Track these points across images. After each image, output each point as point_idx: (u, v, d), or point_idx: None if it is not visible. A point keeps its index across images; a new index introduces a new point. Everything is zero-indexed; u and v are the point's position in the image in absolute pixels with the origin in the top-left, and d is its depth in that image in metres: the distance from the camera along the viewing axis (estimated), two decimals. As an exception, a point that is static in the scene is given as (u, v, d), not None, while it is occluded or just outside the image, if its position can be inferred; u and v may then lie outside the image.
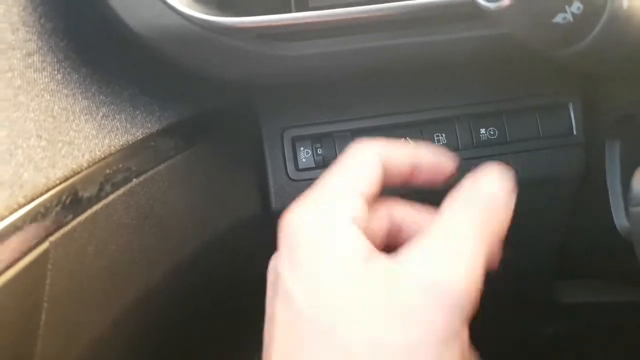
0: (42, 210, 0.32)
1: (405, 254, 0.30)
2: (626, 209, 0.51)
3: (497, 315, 0.74)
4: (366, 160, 0.34)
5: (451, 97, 0.53)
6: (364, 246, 0.30)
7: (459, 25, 0.43)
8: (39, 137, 0.34)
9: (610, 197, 0.54)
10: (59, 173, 0.34)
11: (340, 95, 0.52)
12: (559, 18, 0.31)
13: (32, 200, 0.32)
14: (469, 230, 0.31)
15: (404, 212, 0.36)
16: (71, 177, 0.35)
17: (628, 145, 0.53)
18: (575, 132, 0.54)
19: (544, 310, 0.72)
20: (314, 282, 0.30)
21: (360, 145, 0.35)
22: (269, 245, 0.57)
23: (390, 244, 0.36)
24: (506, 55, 0.44)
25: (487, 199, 0.33)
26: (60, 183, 0.34)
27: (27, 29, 0.38)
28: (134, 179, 0.40)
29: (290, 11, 0.44)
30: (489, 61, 0.47)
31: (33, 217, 0.32)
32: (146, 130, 0.42)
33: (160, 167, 0.43)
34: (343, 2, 0.44)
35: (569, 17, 0.31)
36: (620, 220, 0.52)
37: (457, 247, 0.30)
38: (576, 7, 0.31)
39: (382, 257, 0.30)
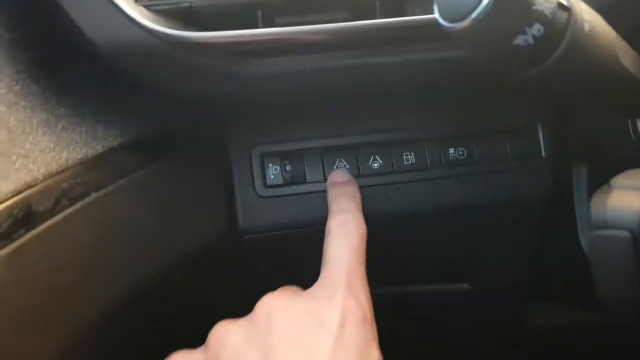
0: (-8, 223, 0.31)
1: None
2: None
3: (468, 336, 0.74)
4: None
5: (421, 117, 0.53)
6: None
7: (426, 46, 0.43)
8: (-7, 149, 0.34)
9: (577, 220, 0.54)
10: (11, 186, 0.33)
11: (310, 112, 0.52)
12: (519, 40, 0.31)
13: (-18, 213, 0.31)
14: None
15: None
16: (25, 190, 0.34)
17: (595, 168, 0.53)
18: (543, 155, 0.54)
19: (514, 332, 0.71)
20: None
21: None
22: (236, 263, 0.56)
23: None
24: (471, 77, 0.45)
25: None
26: (13, 196, 0.33)
27: (-16, 40, 0.37)
28: (93, 194, 0.39)
29: (256, 28, 0.44)
30: (454, 83, 0.47)
31: (-18, 231, 0.31)
32: (107, 144, 0.41)
33: (122, 181, 0.42)
34: (308, 19, 0.44)
35: (530, 40, 0.31)
36: (587, 243, 0.53)
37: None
38: (537, 29, 0.31)
39: None
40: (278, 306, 0.36)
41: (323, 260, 0.41)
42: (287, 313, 0.36)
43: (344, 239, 0.42)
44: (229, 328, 0.36)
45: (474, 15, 0.30)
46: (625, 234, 0.30)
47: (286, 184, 0.52)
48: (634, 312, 0.32)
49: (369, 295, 0.39)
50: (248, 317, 0.37)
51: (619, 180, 0.32)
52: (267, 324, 0.35)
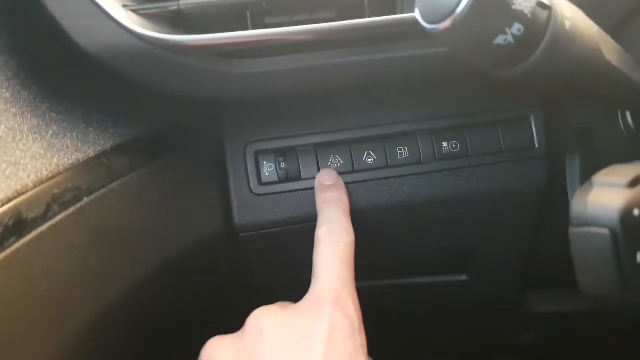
0: (-18, 233, 0.32)
1: None
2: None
3: (468, 326, 0.74)
4: None
5: (414, 111, 0.53)
6: None
7: (413, 44, 0.43)
8: (-18, 158, 0.34)
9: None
10: (1, 195, 0.34)
11: (304, 109, 0.52)
12: (499, 40, 0.31)
13: (-28, 223, 0.31)
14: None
15: None
16: (15, 198, 0.34)
17: (588, 158, 0.53)
18: (537, 145, 0.54)
19: (513, 320, 0.72)
20: None
21: None
22: (232, 260, 0.57)
23: None
24: (456, 72, 0.45)
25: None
26: (3, 205, 0.33)
27: (-26, 47, 0.38)
28: (85, 198, 0.39)
29: (246, 29, 0.44)
30: (443, 77, 0.47)
31: (-28, 241, 0.31)
32: (99, 148, 0.42)
33: (114, 185, 0.42)
34: (298, 19, 0.44)
35: (510, 39, 0.31)
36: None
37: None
38: (517, 29, 0.31)
39: None
40: (267, 321, 0.37)
41: (313, 271, 0.42)
42: (275, 328, 0.36)
43: (331, 250, 0.42)
44: (219, 344, 0.37)
45: (453, 16, 0.30)
46: (605, 231, 0.30)
47: (281, 181, 0.52)
48: (615, 308, 0.32)
49: (357, 304, 0.40)
50: (238, 333, 0.38)
51: (600, 177, 0.32)
52: (255, 339, 0.36)
